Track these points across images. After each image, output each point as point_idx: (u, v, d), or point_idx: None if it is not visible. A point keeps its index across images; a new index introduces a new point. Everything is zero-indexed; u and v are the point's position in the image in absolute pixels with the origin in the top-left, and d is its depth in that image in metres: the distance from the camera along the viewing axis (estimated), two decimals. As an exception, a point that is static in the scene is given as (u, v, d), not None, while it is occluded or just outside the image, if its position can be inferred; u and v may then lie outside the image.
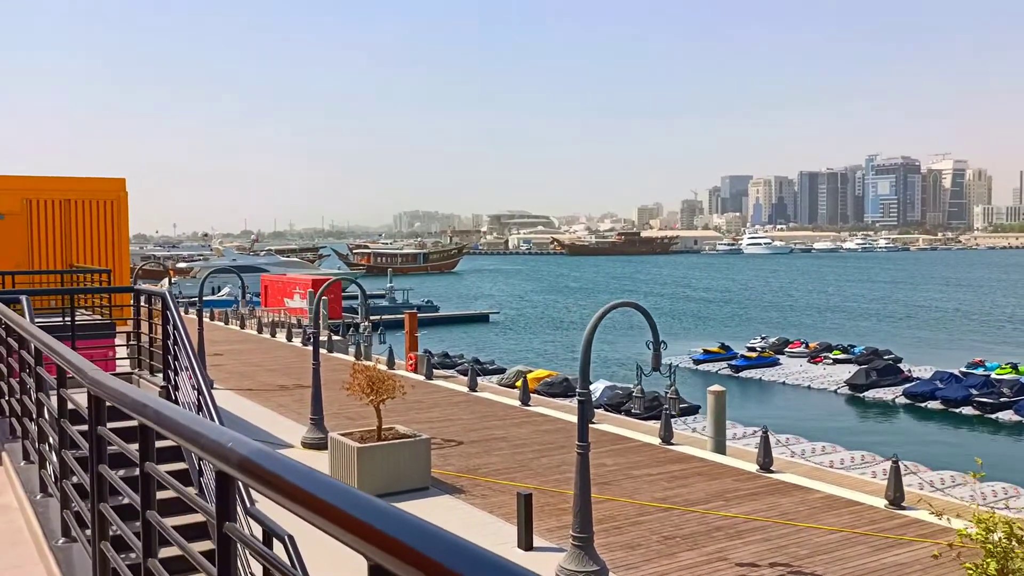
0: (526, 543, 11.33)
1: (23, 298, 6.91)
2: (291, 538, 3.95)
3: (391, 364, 27.74)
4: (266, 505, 2.83)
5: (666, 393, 15.79)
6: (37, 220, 18.12)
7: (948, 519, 7.54)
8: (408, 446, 13.96)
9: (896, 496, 12.72)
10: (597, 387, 30.23)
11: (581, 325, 66.67)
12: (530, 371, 34.40)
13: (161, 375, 8.16)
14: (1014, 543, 5.88)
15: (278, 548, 3.47)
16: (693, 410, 28.84)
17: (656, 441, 17.23)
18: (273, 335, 36.06)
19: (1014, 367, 33.90)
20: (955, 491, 19.07)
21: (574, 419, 19.82)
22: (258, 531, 3.33)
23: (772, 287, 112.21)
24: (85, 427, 4.30)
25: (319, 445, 16.41)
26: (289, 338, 34.64)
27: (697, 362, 40.51)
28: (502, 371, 37.44)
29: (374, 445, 13.65)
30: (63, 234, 18.28)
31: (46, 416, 6.02)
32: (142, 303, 9.41)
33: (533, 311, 78.16)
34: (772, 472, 14.89)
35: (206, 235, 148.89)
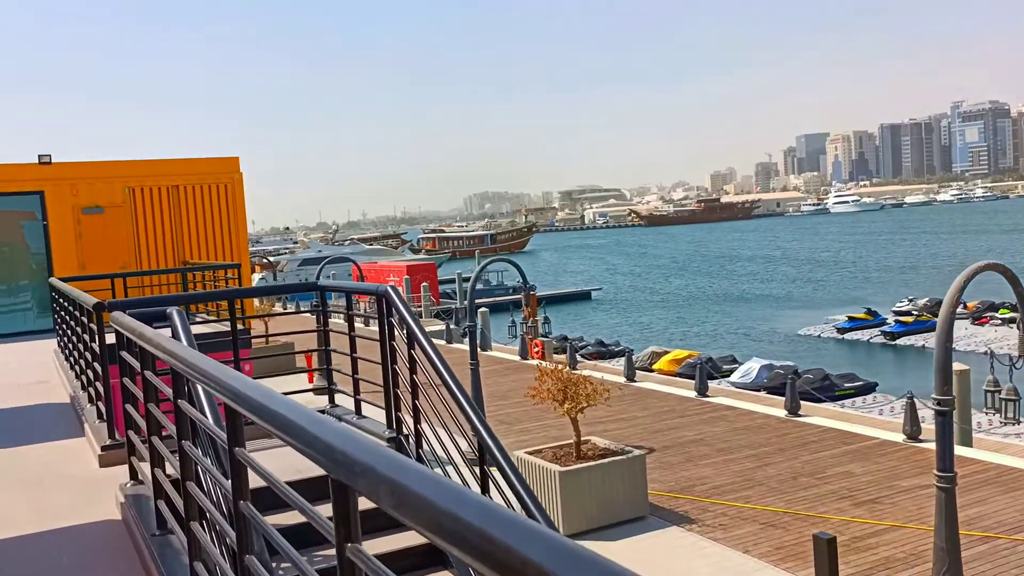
0: (832, 604, 8.22)
1: (173, 312, 4.19)
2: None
3: (524, 354, 24.94)
4: None
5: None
6: (143, 211, 15.67)
7: None
8: (620, 466, 11.00)
9: None
10: (751, 367, 26.87)
11: (689, 298, 63.01)
12: (665, 351, 31.22)
13: (383, 418, 5.40)
14: None
15: None
16: (870, 388, 25.30)
17: (897, 437, 13.93)
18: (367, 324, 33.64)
19: None
20: None
21: (770, 411, 16.62)
22: None
23: (877, 245, 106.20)
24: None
25: (488, 462, 13.59)
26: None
27: (842, 331, 36.67)
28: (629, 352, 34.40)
29: (579, 467, 10.72)
30: (173, 226, 15.81)
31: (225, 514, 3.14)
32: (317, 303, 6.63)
33: (631, 285, 74.71)
34: (1088, 477, 11.45)
35: (287, 229, 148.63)
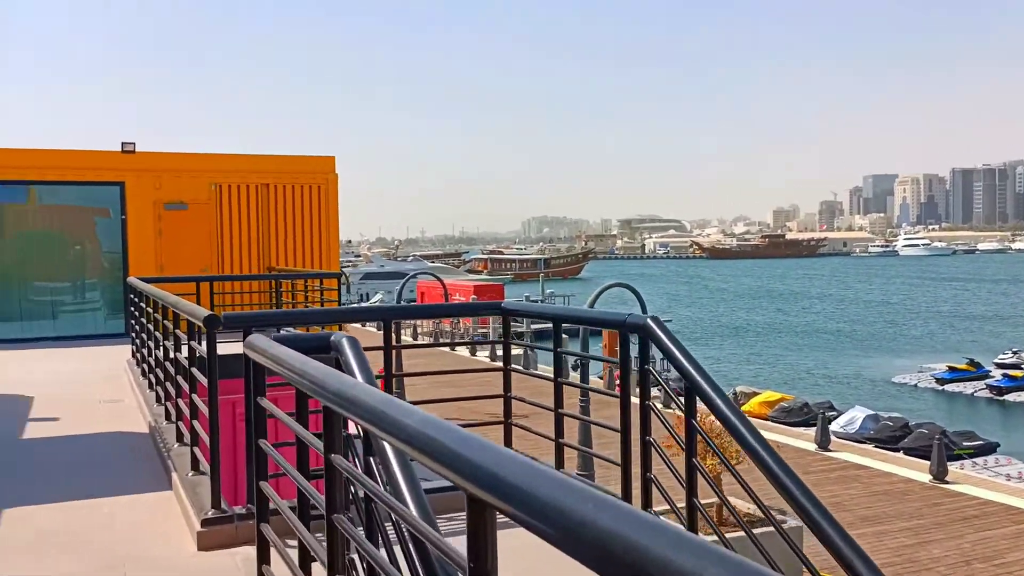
0: None
1: (343, 341, 2.69)
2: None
3: (612, 386, 23.21)
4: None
5: None
6: (228, 209, 14.40)
7: None
8: (774, 538, 9.18)
9: None
10: (855, 416, 24.66)
11: (760, 334, 60.55)
12: (754, 392, 29.14)
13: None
14: None
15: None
16: (989, 448, 22.93)
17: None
18: (452, 348, 32.20)
19: None
20: None
21: (910, 474, 14.68)
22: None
23: (953, 291, 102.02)
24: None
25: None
26: (472, 352, 30.60)
27: (941, 381, 34.14)
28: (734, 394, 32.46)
29: (732, 536, 8.93)
30: (260, 228, 14.49)
31: None
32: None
33: (697, 317, 72.33)
34: None
35: (349, 242, 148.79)
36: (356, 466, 2.62)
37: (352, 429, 3.13)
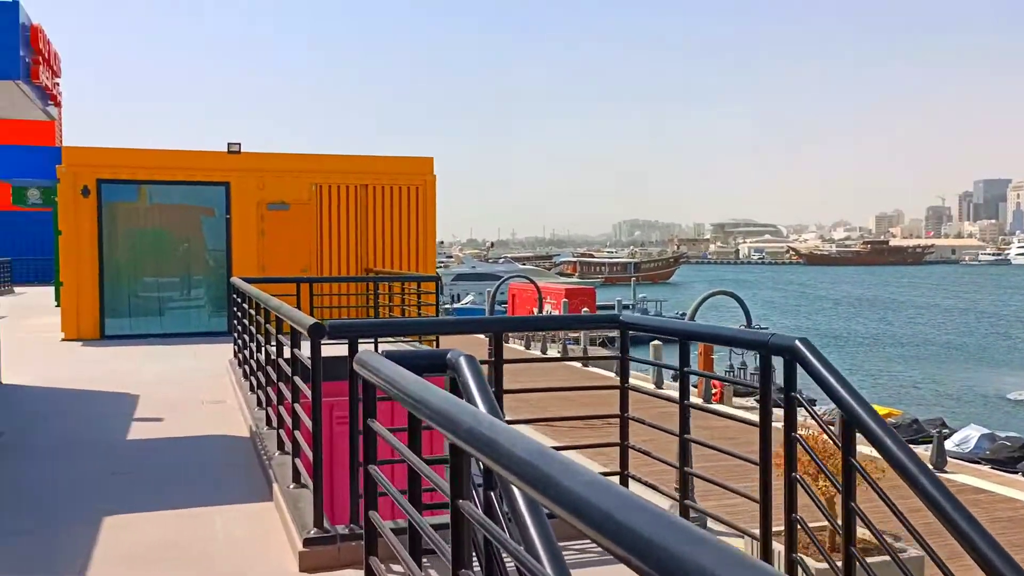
0: None
1: (461, 360, 2.42)
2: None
3: (708, 398, 22.51)
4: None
5: None
6: (328, 210, 14.52)
7: None
8: (895, 569, 8.57)
9: None
10: (969, 435, 23.30)
11: (864, 344, 58.27)
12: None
13: (749, 548, 3.44)
14: None
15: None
16: (1121, 475, 21.29)
17: None
18: (544, 351, 31.96)
19: None
20: None
21: (1019, 495, 13.72)
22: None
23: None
24: None
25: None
26: (565, 354, 30.25)
27: (1063, 400, 32.12)
28: (811, 402, 31.22)
29: (874, 562, 8.36)
30: (358, 229, 14.55)
31: None
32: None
33: (795, 325, 70.07)
34: None
35: (441, 242, 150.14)
36: (471, 488, 2.36)
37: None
